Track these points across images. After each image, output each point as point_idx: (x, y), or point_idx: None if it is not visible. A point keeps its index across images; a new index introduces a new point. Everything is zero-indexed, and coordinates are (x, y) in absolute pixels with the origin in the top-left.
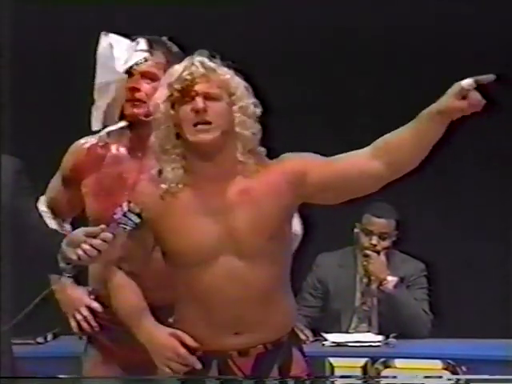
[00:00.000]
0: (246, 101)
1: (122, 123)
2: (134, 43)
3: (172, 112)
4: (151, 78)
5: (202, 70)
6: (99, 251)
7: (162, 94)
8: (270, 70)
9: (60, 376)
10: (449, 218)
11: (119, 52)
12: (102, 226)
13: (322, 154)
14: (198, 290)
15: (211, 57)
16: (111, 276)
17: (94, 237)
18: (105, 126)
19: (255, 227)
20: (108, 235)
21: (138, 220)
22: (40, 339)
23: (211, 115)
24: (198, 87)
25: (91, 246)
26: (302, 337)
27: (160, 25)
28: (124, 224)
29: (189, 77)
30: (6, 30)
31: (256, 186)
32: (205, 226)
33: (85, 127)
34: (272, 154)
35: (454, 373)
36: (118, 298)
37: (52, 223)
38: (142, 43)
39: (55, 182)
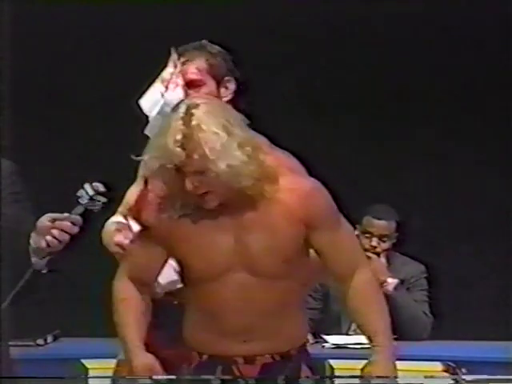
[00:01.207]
0: (233, 153)
1: None
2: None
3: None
4: (196, 85)
5: (182, 154)
6: (70, 235)
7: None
8: (269, 69)
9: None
10: (449, 219)
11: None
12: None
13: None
14: (209, 302)
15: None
16: (119, 286)
17: (61, 221)
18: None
19: (270, 249)
20: (77, 217)
21: (105, 200)
22: (40, 341)
23: (207, 187)
24: (185, 169)
25: (61, 230)
26: None
27: (160, 25)
28: (92, 206)
29: (170, 165)
30: (6, 29)
31: (273, 208)
32: (218, 241)
33: (84, 129)
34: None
35: (454, 375)
36: (119, 312)
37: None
38: (174, 54)
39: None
